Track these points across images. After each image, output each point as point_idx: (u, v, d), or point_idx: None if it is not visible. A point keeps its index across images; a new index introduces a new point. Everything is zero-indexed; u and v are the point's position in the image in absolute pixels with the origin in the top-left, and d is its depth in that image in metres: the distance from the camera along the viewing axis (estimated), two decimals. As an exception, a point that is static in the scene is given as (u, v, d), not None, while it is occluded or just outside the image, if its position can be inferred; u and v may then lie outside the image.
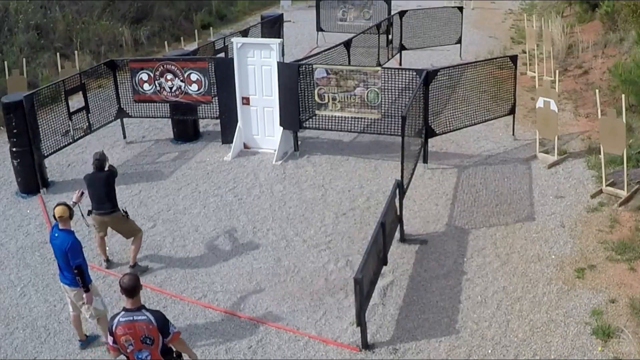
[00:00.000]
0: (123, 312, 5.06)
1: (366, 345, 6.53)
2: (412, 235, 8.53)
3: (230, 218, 9.20)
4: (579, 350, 6.38)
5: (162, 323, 5.03)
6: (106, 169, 7.83)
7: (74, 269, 6.20)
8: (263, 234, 8.78)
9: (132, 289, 5.02)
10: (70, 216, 6.35)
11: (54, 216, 6.32)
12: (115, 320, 5.05)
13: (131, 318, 5.01)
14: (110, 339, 5.12)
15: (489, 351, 6.45)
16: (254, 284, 7.70)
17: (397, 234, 8.28)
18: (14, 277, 8.02)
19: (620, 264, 7.66)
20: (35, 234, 9.00)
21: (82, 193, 7.20)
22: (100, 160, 7.76)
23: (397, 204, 8.09)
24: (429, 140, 10.59)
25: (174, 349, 5.27)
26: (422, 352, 6.50)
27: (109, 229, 8.02)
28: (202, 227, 8.99)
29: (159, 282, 7.80)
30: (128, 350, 5.11)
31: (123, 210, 7.87)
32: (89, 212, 7.81)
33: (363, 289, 6.28)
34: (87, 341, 6.76)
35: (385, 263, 7.48)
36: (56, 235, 6.34)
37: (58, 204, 6.37)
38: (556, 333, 6.63)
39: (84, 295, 6.35)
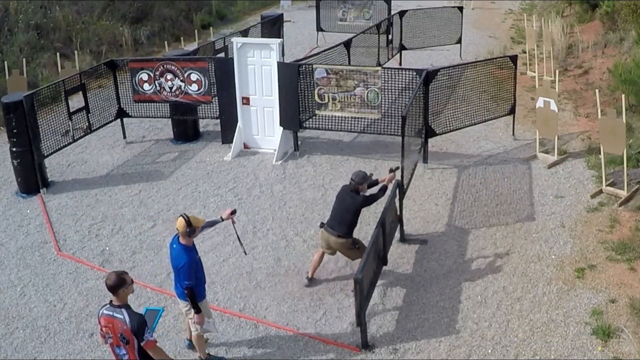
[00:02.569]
0: (108, 305, 5.22)
1: (366, 345, 6.53)
2: (412, 235, 8.54)
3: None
4: (579, 350, 6.38)
5: (138, 327, 5.10)
6: (364, 192, 7.17)
7: (185, 289, 5.85)
8: (263, 234, 8.78)
9: (112, 287, 5.14)
10: (189, 233, 5.84)
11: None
12: (101, 311, 5.25)
13: (112, 314, 5.16)
14: (98, 326, 5.30)
15: (489, 351, 6.45)
16: (254, 284, 7.70)
17: (397, 234, 8.29)
18: (14, 277, 8.02)
19: (620, 264, 7.67)
20: (35, 234, 9.00)
21: (234, 212, 6.44)
22: (357, 184, 7.10)
23: (397, 204, 8.09)
24: (429, 140, 10.59)
25: None
26: (422, 352, 6.50)
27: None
28: (202, 227, 8.98)
29: (159, 282, 7.80)
30: (108, 343, 5.29)
31: (354, 239, 7.25)
32: (322, 224, 7.30)
33: (363, 289, 6.28)
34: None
35: (385, 263, 7.48)
36: (174, 246, 5.94)
37: (180, 215, 5.83)
38: (556, 333, 6.63)
39: (195, 317, 5.99)
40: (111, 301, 5.22)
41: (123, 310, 5.14)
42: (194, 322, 6.09)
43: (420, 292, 7.42)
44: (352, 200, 7.12)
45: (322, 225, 7.32)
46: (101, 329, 5.27)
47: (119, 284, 5.14)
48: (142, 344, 5.13)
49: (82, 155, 11.56)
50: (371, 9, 18.15)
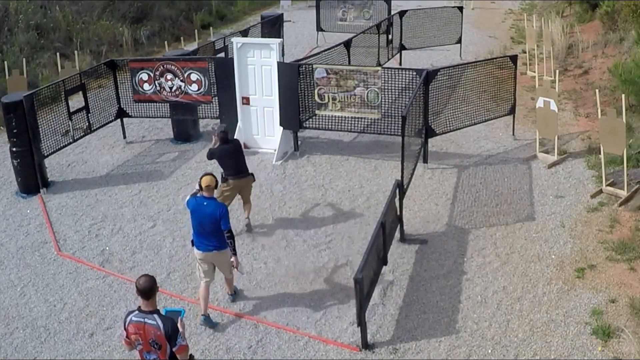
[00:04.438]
0: (137, 312, 5.04)
1: (366, 345, 6.53)
2: (412, 235, 8.53)
3: (230, 218, 9.13)
4: (579, 350, 6.38)
5: (171, 333, 4.96)
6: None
7: (227, 233, 6.71)
8: (263, 234, 8.78)
9: (147, 291, 4.95)
10: (216, 186, 6.85)
11: (200, 186, 6.75)
12: (129, 318, 5.06)
13: (142, 320, 4.98)
14: (123, 334, 5.14)
15: (489, 351, 6.45)
16: (254, 283, 7.71)
17: (397, 234, 8.29)
18: (14, 277, 8.02)
19: (620, 264, 7.67)
20: (35, 234, 9.00)
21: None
22: (226, 132, 8.47)
23: (397, 204, 8.09)
24: (429, 140, 10.59)
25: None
26: (422, 352, 6.50)
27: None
28: (202, 227, 8.98)
29: (159, 282, 7.72)
30: (137, 349, 5.13)
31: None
32: (224, 180, 8.39)
33: (363, 289, 6.28)
34: (209, 321, 6.96)
35: (385, 263, 7.48)
36: (205, 203, 6.72)
37: (205, 174, 6.78)
38: (556, 333, 6.63)
39: (234, 259, 6.83)
40: (139, 307, 5.03)
41: (155, 315, 4.96)
42: (233, 267, 6.94)
43: (420, 292, 7.42)
44: (240, 146, 8.66)
45: (226, 179, 8.40)
46: (127, 336, 5.08)
47: (154, 286, 4.97)
48: (174, 349, 4.98)
49: (82, 155, 11.56)
50: (371, 9, 18.16)
